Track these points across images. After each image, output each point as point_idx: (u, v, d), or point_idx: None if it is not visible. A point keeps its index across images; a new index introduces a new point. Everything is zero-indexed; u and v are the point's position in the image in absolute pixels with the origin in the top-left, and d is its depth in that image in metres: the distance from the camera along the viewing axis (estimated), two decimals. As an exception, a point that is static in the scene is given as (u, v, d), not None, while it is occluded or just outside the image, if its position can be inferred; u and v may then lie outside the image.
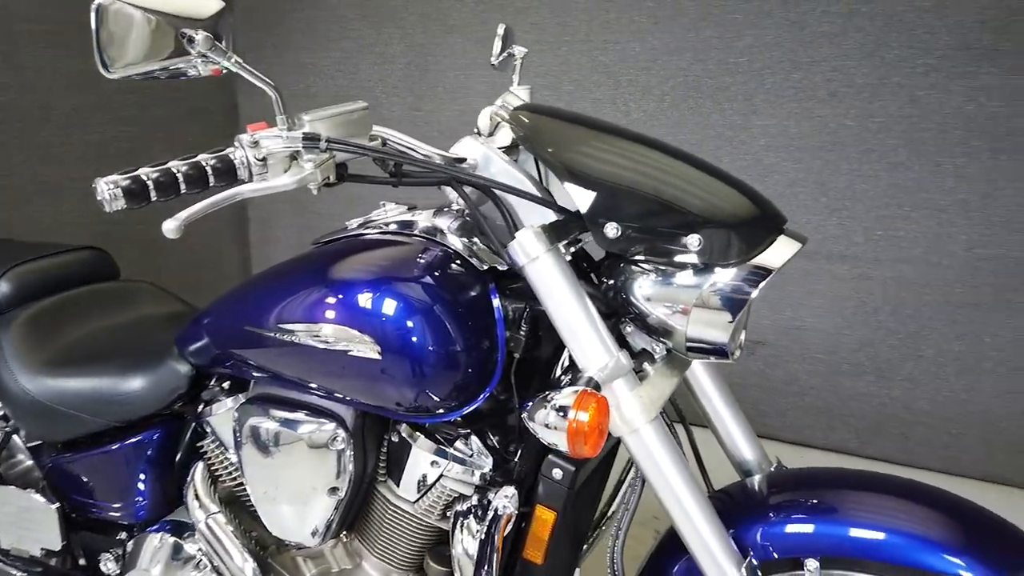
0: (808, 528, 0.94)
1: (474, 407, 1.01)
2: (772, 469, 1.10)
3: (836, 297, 2.44)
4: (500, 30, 1.34)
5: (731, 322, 0.87)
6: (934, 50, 2.19)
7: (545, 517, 1.01)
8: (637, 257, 0.92)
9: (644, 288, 0.92)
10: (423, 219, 1.10)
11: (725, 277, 0.87)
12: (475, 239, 1.07)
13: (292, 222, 3.26)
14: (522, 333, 1.02)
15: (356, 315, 0.99)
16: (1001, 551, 0.87)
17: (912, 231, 2.30)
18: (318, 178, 0.91)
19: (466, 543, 1.04)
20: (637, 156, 0.96)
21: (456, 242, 1.06)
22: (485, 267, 1.05)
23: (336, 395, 1.06)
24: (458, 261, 1.04)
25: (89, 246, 1.57)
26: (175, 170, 0.87)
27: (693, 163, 0.95)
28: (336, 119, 0.96)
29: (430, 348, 0.97)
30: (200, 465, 1.25)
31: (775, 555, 0.94)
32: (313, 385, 1.07)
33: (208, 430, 1.23)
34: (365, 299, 0.99)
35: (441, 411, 1.01)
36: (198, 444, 1.27)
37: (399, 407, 1.02)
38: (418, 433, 1.08)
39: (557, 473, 1.00)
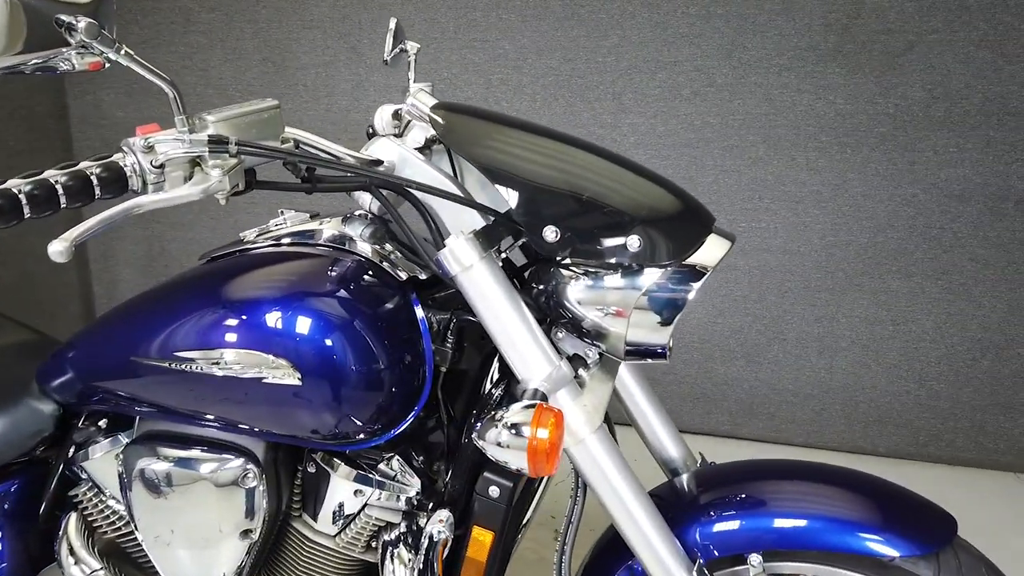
0: (746, 523, 0.94)
1: (402, 428, 0.94)
2: (697, 465, 1.11)
3: (707, 288, 2.54)
4: (392, 24, 1.27)
5: (670, 323, 0.86)
6: (785, 51, 2.32)
7: (483, 539, 0.96)
8: (574, 260, 0.89)
9: (578, 292, 0.89)
10: (329, 227, 1.02)
11: (662, 278, 0.86)
12: (388, 247, 1.00)
13: (138, 234, 2.99)
14: (448, 345, 0.97)
15: (266, 337, 0.90)
16: (930, 528, 0.91)
17: (772, 222, 2.44)
18: (227, 186, 0.81)
19: (399, 574, 0.97)
20: (570, 157, 0.93)
21: (368, 251, 0.99)
22: (404, 276, 0.98)
23: (243, 427, 0.95)
24: (372, 271, 0.97)
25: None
26: (53, 181, 0.74)
27: (623, 163, 0.93)
28: (244, 119, 0.86)
29: (353, 368, 0.90)
30: (73, 516, 1.10)
31: (716, 553, 0.94)
32: (212, 418, 0.96)
33: (84, 476, 1.08)
34: (275, 318, 0.90)
35: (365, 436, 0.93)
36: (69, 493, 1.11)
37: (317, 435, 0.93)
38: (337, 460, 1.00)
39: (494, 491, 0.95)
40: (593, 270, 0.89)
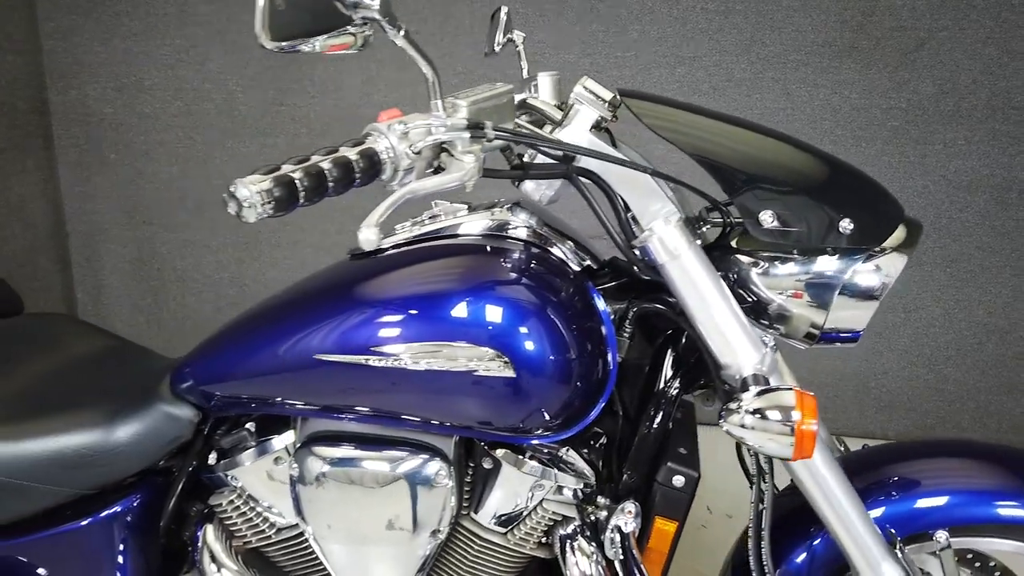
0: (929, 501, 0.96)
1: (593, 416, 0.92)
2: (841, 452, 1.12)
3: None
4: (502, 14, 1.24)
5: (873, 308, 0.87)
6: (802, 47, 2.38)
7: (667, 528, 0.95)
8: (767, 245, 0.89)
9: (771, 277, 0.89)
10: (500, 218, 0.99)
11: (866, 263, 0.87)
12: (557, 238, 0.98)
13: (126, 235, 2.84)
14: (626, 335, 0.95)
15: (482, 330, 0.86)
16: None
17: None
18: (479, 173, 0.77)
19: (583, 567, 0.94)
20: (777, 146, 0.93)
21: (542, 241, 0.96)
22: (578, 267, 0.96)
23: (433, 423, 0.92)
24: (555, 262, 0.95)
25: (-20, 273, 1.23)
26: (323, 168, 0.70)
27: (821, 153, 0.93)
28: (487, 104, 0.82)
29: (559, 358, 0.88)
30: (210, 527, 1.03)
31: (903, 532, 0.96)
32: (395, 415, 0.92)
33: (229, 483, 1.02)
34: (491, 311, 0.87)
35: (558, 427, 0.91)
36: (209, 501, 1.05)
37: (517, 428, 0.91)
38: (514, 455, 0.97)
39: (679, 480, 0.94)
40: (784, 256, 0.89)
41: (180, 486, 1.07)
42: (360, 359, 0.89)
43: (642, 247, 0.86)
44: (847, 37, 2.35)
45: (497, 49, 1.25)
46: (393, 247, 0.99)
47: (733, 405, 0.81)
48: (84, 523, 1.03)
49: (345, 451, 0.94)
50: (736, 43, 2.40)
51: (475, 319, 0.87)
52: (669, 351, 0.99)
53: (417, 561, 0.97)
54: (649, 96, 0.98)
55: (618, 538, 0.92)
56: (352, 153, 0.74)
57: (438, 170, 0.82)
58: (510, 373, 0.86)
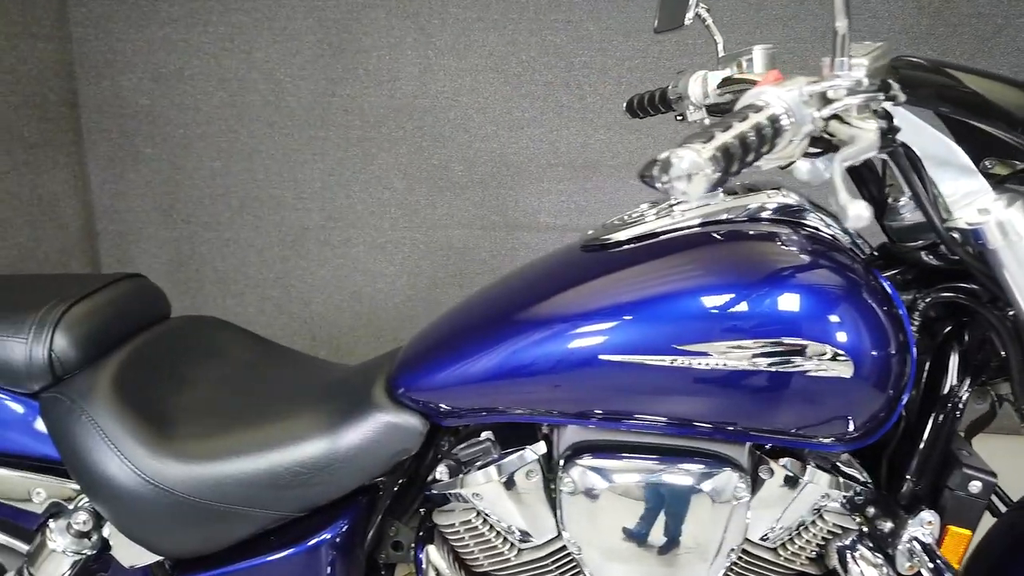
0: None
1: (896, 418, 0.84)
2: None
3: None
4: None
5: None
6: (879, 33, 2.33)
7: (961, 537, 0.87)
8: None
9: None
10: (777, 201, 0.90)
11: None
12: (836, 223, 0.90)
13: (163, 236, 2.68)
14: (914, 328, 0.87)
15: (808, 325, 0.77)
16: None
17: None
18: (879, 142, 0.68)
19: None
20: None
21: (823, 226, 0.88)
22: (864, 255, 0.88)
23: (728, 428, 0.82)
24: (846, 249, 0.86)
25: (132, 274, 1.10)
26: (747, 134, 0.61)
27: None
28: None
29: (884, 354, 0.79)
30: (431, 548, 0.92)
31: None
32: (696, 422, 0.82)
33: (464, 499, 0.91)
34: (816, 304, 0.78)
35: (867, 432, 0.83)
36: (437, 520, 0.95)
37: (830, 434, 0.82)
38: (802, 464, 0.88)
39: (975, 487, 0.87)
40: None
41: (387, 505, 0.96)
42: (663, 360, 0.79)
43: (972, 230, 0.78)
44: (924, 24, 2.32)
45: (687, 23, 1.16)
46: (639, 237, 0.90)
47: None
48: (287, 552, 0.92)
49: (629, 463, 0.84)
50: (811, 30, 2.35)
51: (804, 313, 0.78)
52: (955, 346, 0.91)
53: None
54: (945, 64, 0.90)
55: (919, 548, 0.84)
56: (762, 117, 0.65)
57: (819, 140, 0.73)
58: (846, 372, 0.78)
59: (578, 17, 2.41)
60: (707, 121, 1.18)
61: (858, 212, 0.61)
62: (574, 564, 0.94)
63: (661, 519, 0.85)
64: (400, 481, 0.99)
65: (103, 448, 0.88)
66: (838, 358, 0.78)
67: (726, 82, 1.07)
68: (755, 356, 0.78)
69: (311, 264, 2.66)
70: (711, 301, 0.80)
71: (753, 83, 1.04)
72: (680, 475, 0.84)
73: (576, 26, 2.42)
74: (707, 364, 0.79)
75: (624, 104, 1.35)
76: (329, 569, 0.92)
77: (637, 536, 0.86)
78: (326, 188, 2.59)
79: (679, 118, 1.16)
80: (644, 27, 2.38)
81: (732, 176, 0.63)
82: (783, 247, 0.84)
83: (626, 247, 0.90)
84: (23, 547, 1.05)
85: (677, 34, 2.47)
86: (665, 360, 0.80)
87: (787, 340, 0.78)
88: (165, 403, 0.96)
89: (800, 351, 0.78)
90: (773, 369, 0.78)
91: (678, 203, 0.92)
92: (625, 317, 0.82)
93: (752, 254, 0.84)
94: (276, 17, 2.48)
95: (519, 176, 2.53)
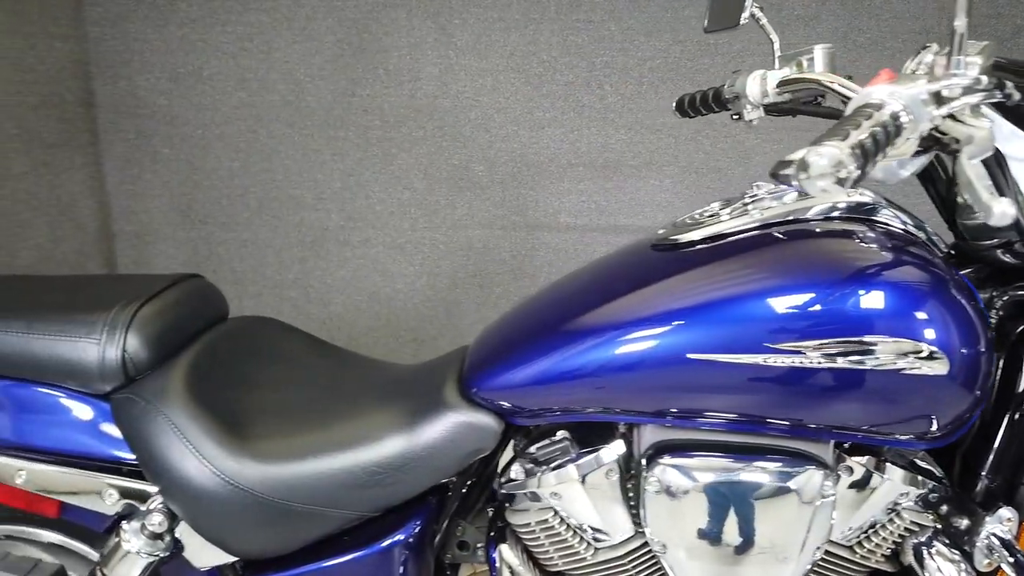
0: None
1: (977, 416, 0.85)
2: None
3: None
4: None
5: None
6: (900, 34, 2.35)
7: (1043, 533, 0.88)
8: None
9: None
10: (852, 200, 0.90)
11: None
12: (915, 220, 0.91)
13: (180, 236, 2.66)
14: (991, 326, 0.88)
15: (905, 323, 0.78)
16: None
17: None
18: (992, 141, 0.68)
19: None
20: None
21: (898, 222, 0.89)
22: (941, 254, 0.89)
23: (810, 426, 0.83)
24: (929, 247, 0.87)
25: (192, 274, 1.09)
26: (876, 133, 0.61)
27: None
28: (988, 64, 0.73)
29: (975, 352, 0.80)
30: (504, 548, 0.92)
31: None
32: (782, 420, 0.83)
33: (539, 498, 0.91)
34: (907, 301, 0.79)
35: (951, 430, 0.83)
36: (512, 520, 0.95)
37: (920, 433, 0.83)
38: (881, 461, 0.88)
39: None
40: None
41: (456, 503, 0.96)
42: (755, 358, 0.79)
43: None
44: (945, 24, 2.32)
45: (743, 22, 1.16)
46: (715, 237, 0.90)
47: None
48: (362, 553, 0.92)
49: (717, 462, 0.85)
50: (832, 30, 2.36)
51: (899, 310, 0.78)
52: None
53: None
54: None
55: (998, 544, 0.85)
56: (885, 115, 0.65)
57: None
58: (941, 370, 0.78)
59: (599, 17, 2.41)
60: (754, 121, 1.19)
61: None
62: (651, 563, 0.94)
63: (748, 517, 0.85)
64: (469, 481, 0.99)
65: (182, 449, 0.88)
66: (934, 356, 0.78)
67: (785, 82, 1.07)
68: (850, 354, 0.79)
69: (330, 265, 2.65)
70: (803, 299, 0.80)
71: (815, 82, 1.04)
72: (768, 473, 0.84)
73: (597, 26, 2.42)
74: (800, 362, 0.79)
75: (674, 103, 1.35)
76: (401, 570, 0.92)
77: (724, 535, 0.87)
78: (346, 188, 2.58)
79: (735, 117, 1.17)
80: (665, 27, 2.39)
81: (867, 173, 0.63)
82: (868, 244, 0.84)
83: (704, 246, 0.90)
84: (81, 547, 1.05)
85: (698, 34, 2.48)
86: (757, 358, 0.80)
87: (883, 338, 0.78)
88: (236, 403, 0.95)
89: (895, 349, 0.78)
90: (869, 367, 0.79)
91: (752, 202, 0.93)
92: (715, 316, 0.82)
93: (841, 251, 0.84)
94: (296, 17, 2.47)
95: (539, 176, 2.53)
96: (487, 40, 2.43)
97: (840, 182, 0.60)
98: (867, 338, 0.78)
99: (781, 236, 0.87)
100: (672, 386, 0.84)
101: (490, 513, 0.99)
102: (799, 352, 0.79)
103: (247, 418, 0.93)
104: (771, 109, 1.11)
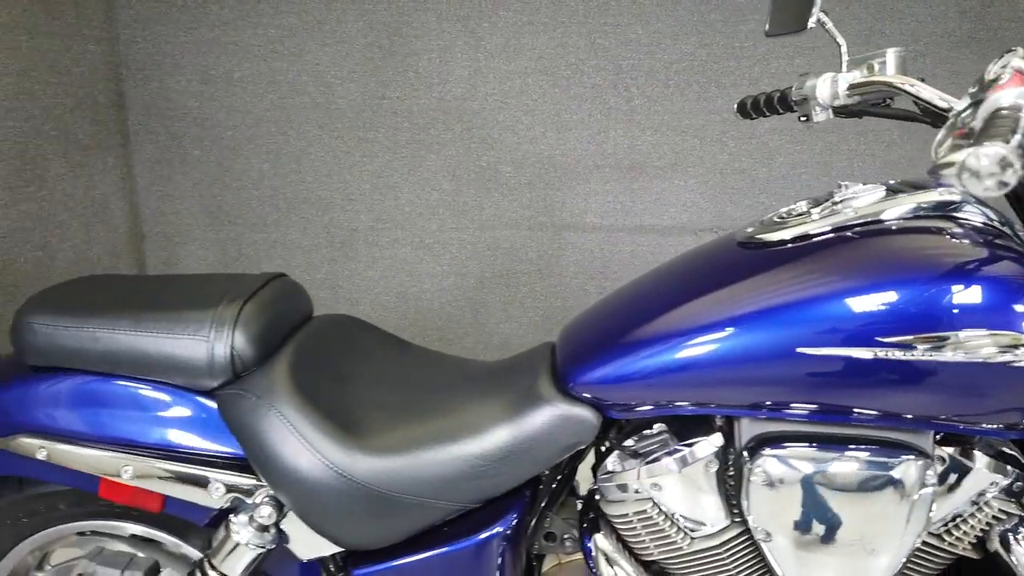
0: None
1: None
2: None
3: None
4: None
5: None
6: (921, 37, 2.40)
7: None
8: None
9: None
10: (943, 198, 0.93)
11: None
12: (1000, 217, 0.94)
13: (209, 237, 2.69)
14: None
15: (1014, 316, 0.82)
16: None
17: (903, 203, 2.52)
18: None
19: None
20: None
21: (987, 220, 0.92)
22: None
23: (907, 417, 0.86)
24: (1017, 241, 0.90)
25: (279, 274, 1.12)
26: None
27: None
28: None
29: None
30: (599, 537, 0.96)
31: None
32: (885, 411, 0.86)
33: (635, 490, 0.95)
34: (1015, 295, 0.82)
35: None
36: (609, 511, 0.98)
37: (1009, 422, 0.86)
38: (974, 451, 0.92)
39: None
40: None
41: (548, 495, 0.99)
42: (866, 352, 0.83)
43: None
44: (966, 28, 2.38)
45: (811, 25, 1.20)
46: (806, 235, 0.93)
47: None
48: (462, 544, 0.95)
49: (823, 453, 0.88)
50: (856, 32, 2.41)
51: (1009, 304, 0.81)
52: None
53: (891, 571, 0.92)
54: None
55: None
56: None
57: None
58: None
59: (626, 20, 2.45)
60: (817, 119, 1.22)
61: None
62: (746, 552, 0.97)
63: (853, 506, 0.89)
64: (559, 475, 1.02)
65: (294, 444, 0.90)
66: None
67: (856, 84, 1.10)
68: (961, 348, 0.82)
69: (359, 266, 2.68)
70: (913, 294, 0.83)
71: (887, 84, 1.08)
72: (870, 463, 0.88)
73: (624, 29, 2.46)
74: (911, 356, 0.83)
75: (735, 105, 1.38)
76: (499, 561, 0.95)
77: (830, 524, 0.90)
78: (375, 190, 2.61)
79: (803, 119, 1.20)
80: (691, 30, 2.43)
81: None
82: (961, 240, 0.87)
83: (800, 244, 0.93)
84: (167, 538, 1.07)
85: (724, 37, 2.53)
86: (868, 352, 0.83)
87: (986, 331, 0.82)
88: (339, 398, 0.98)
89: (997, 341, 0.82)
90: (980, 360, 0.82)
91: (842, 201, 0.96)
92: (827, 311, 0.85)
93: (938, 248, 0.87)
94: (326, 20, 2.50)
95: (566, 177, 2.57)
96: (516, 43, 2.46)
97: (1003, 183, 0.64)
98: (970, 331, 0.82)
99: (878, 234, 0.90)
100: (777, 379, 0.87)
101: (579, 505, 1.02)
102: (908, 346, 0.83)
103: (351, 412, 0.96)
104: (840, 111, 1.14)
